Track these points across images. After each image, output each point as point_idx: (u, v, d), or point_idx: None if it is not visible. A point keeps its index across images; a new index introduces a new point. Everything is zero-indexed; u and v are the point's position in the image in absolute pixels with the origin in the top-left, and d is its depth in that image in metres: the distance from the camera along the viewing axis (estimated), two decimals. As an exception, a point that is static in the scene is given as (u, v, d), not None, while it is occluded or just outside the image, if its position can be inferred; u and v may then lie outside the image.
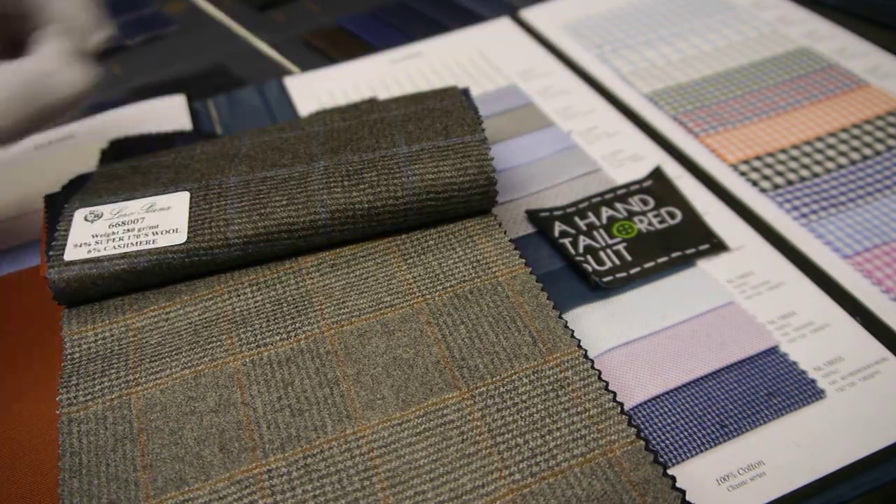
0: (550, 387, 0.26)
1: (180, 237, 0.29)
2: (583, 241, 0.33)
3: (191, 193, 0.31)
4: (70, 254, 0.29)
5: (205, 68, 0.52)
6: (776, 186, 0.37)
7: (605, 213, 0.35)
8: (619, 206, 0.35)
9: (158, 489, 0.24)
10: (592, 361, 0.27)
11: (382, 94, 0.45)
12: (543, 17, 0.52)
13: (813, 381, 0.28)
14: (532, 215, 0.35)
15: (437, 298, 0.29)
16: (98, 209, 0.31)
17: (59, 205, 0.33)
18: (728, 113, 0.42)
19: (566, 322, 0.28)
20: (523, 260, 0.30)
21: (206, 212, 0.30)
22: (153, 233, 0.30)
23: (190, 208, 0.30)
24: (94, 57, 0.30)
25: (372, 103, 0.37)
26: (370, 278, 0.30)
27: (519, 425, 0.25)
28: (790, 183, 0.37)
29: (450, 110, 0.34)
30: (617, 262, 0.32)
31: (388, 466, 0.24)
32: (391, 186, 0.30)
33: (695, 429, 0.26)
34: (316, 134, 0.34)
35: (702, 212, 0.35)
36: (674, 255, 0.33)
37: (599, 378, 0.26)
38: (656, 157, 0.39)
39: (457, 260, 0.31)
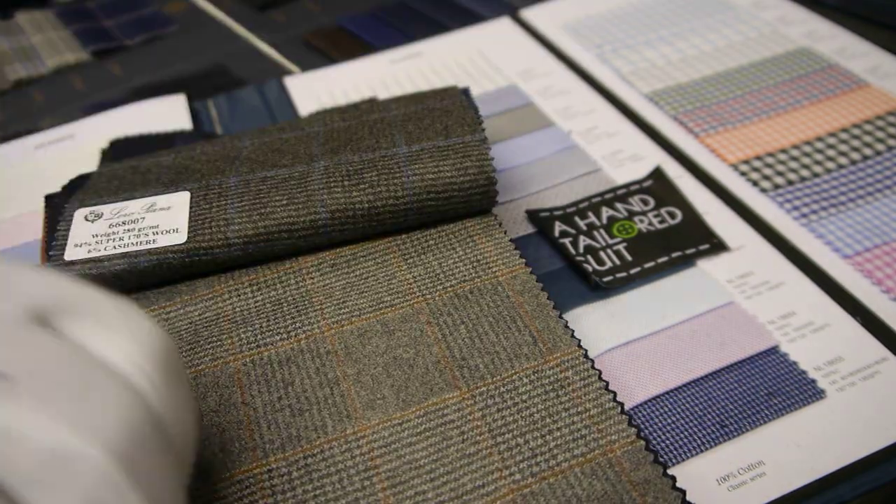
0: (551, 387, 0.26)
1: (180, 237, 0.29)
2: (583, 241, 0.34)
3: (191, 193, 0.31)
4: (70, 254, 0.29)
5: (205, 68, 0.52)
6: (776, 186, 0.37)
7: (606, 213, 0.35)
8: (619, 206, 0.35)
9: None
10: (593, 361, 0.27)
11: (382, 94, 0.45)
12: (543, 17, 0.52)
13: (813, 381, 0.28)
14: (532, 215, 0.35)
15: (437, 298, 0.29)
16: (98, 209, 0.31)
17: (59, 205, 0.33)
18: (728, 113, 0.42)
19: (566, 322, 0.28)
20: (523, 260, 0.30)
21: (206, 212, 0.30)
22: (153, 233, 0.30)
23: (190, 208, 0.30)
24: None
25: (372, 103, 0.37)
26: (370, 278, 0.30)
27: (519, 425, 0.25)
28: (790, 183, 0.37)
29: (450, 110, 0.34)
30: (617, 262, 0.32)
31: (389, 466, 0.24)
32: (391, 186, 0.30)
33: (695, 429, 0.26)
34: (316, 134, 0.34)
35: (702, 212, 0.35)
36: (674, 255, 0.33)
37: (599, 378, 0.26)
38: (656, 157, 0.39)
39: (457, 260, 0.31)
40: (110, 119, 0.44)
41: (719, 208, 0.36)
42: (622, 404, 0.25)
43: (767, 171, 0.38)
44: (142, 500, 0.15)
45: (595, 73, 0.46)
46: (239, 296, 0.30)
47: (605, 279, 0.32)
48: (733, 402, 0.27)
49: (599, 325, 0.30)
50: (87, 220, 0.30)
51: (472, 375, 0.26)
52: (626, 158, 0.39)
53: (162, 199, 0.31)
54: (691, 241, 0.33)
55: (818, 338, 0.30)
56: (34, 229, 0.37)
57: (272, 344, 0.28)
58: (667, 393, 0.28)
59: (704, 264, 0.33)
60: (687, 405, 0.27)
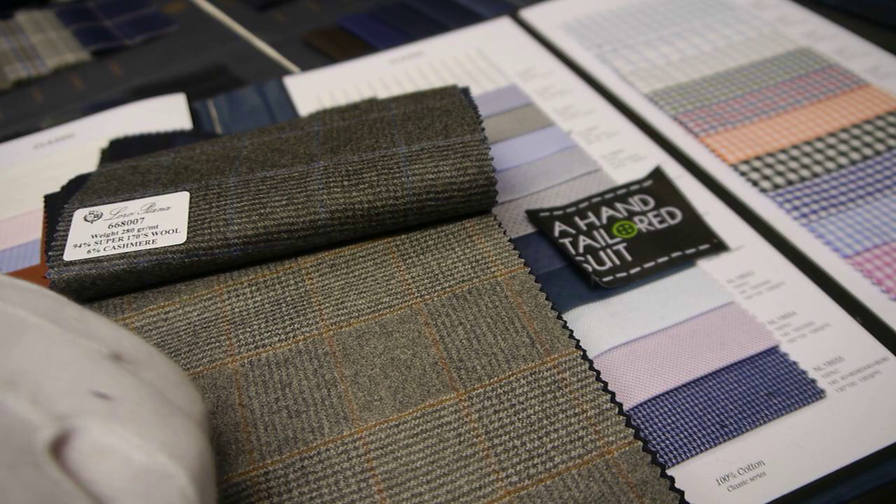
0: (548, 388, 0.26)
1: (180, 237, 0.29)
2: (583, 241, 0.33)
3: (190, 193, 0.31)
4: (70, 254, 0.29)
5: (205, 68, 0.52)
6: (776, 186, 0.37)
7: (605, 213, 0.35)
8: (619, 206, 0.35)
9: None
10: (591, 362, 0.27)
11: (382, 94, 0.45)
12: (543, 17, 0.52)
13: (813, 381, 0.28)
14: (532, 215, 0.35)
15: (435, 299, 0.29)
16: (98, 209, 0.31)
17: (59, 205, 0.33)
18: (728, 113, 0.42)
19: (565, 322, 0.28)
20: (522, 260, 0.30)
21: (205, 212, 0.30)
22: (153, 233, 0.30)
23: (189, 208, 0.30)
24: None
25: (371, 103, 0.37)
26: (369, 278, 0.30)
27: (516, 427, 0.25)
28: (790, 183, 0.37)
29: (449, 109, 0.34)
30: (617, 262, 0.32)
31: (385, 468, 0.24)
32: (391, 186, 0.30)
33: (695, 429, 0.26)
34: (315, 134, 0.34)
35: (702, 212, 0.35)
36: (674, 255, 0.33)
37: (598, 378, 0.26)
38: (656, 157, 0.39)
39: (455, 260, 0.31)
40: (110, 119, 0.44)
41: (719, 208, 0.36)
42: (620, 405, 0.25)
43: (767, 171, 0.38)
44: None
45: (595, 73, 0.46)
46: (238, 296, 0.30)
47: (605, 279, 0.32)
48: (733, 402, 0.27)
49: (599, 325, 0.30)
50: (86, 220, 0.30)
51: (469, 377, 0.26)
52: (626, 158, 0.39)
53: (161, 200, 0.31)
54: (691, 241, 0.33)
55: (818, 338, 0.30)
56: (34, 229, 0.37)
57: (270, 345, 0.28)
58: (667, 393, 0.28)
59: (704, 264, 0.33)
60: (687, 405, 0.27)
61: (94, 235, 0.30)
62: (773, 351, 0.29)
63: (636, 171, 0.38)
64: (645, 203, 0.35)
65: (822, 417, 0.27)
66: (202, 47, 0.55)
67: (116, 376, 0.18)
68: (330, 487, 0.23)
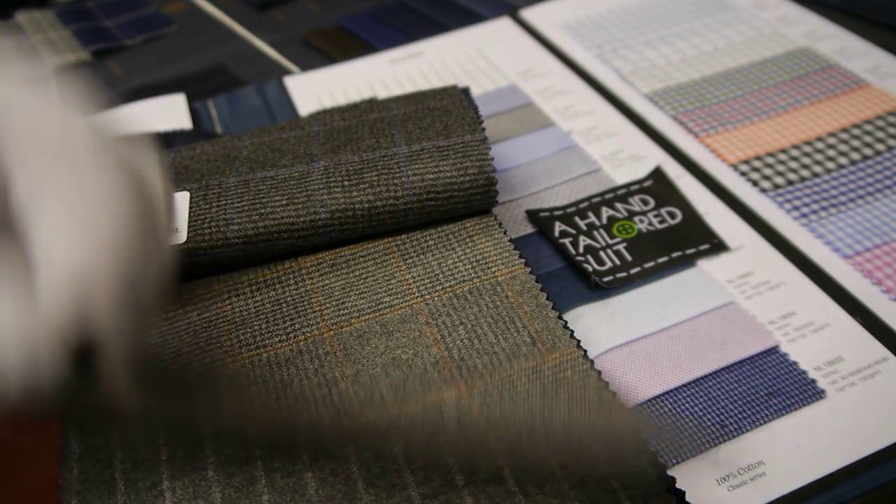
0: (550, 385, 0.26)
1: (180, 237, 0.29)
2: (583, 241, 0.33)
3: (190, 193, 0.31)
4: None
5: (205, 68, 0.52)
6: (776, 186, 0.37)
7: (606, 213, 0.35)
8: (619, 206, 0.35)
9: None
10: (592, 361, 0.27)
11: (382, 94, 0.45)
12: (543, 17, 0.52)
13: (813, 381, 0.28)
14: (532, 215, 0.35)
15: (436, 299, 0.29)
16: None
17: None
18: (728, 113, 0.42)
19: (566, 322, 0.28)
20: (523, 260, 0.30)
21: (205, 212, 0.30)
22: None
23: (190, 208, 0.30)
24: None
25: (371, 103, 0.37)
26: (369, 278, 0.30)
27: (517, 419, 0.25)
28: (790, 183, 0.37)
29: (450, 109, 0.34)
30: (617, 262, 0.32)
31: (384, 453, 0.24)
32: (391, 186, 0.30)
33: (695, 429, 0.26)
34: (316, 134, 0.34)
35: (702, 212, 0.35)
36: (674, 255, 0.33)
37: (599, 378, 0.26)
38: (656, 157, 0.39)
39: (456, 260, 0.31)
40: (110, 119, 0.44)
41: (719, 208, 0.36)
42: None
43: (767, 171, 0.38)
44: None
45: (595, 73, 0.46)
46: (238, 296, 0.30)
47: (605, 279, 0.32)
48: (733, 402, 0.27)
49: (599, 325, 0.30)
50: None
51: (470, 374, 0.26)
52: (626, 158, 0.39)
53: None
54: (691, 241, 0.33)
55: (818, 338, 0.30)
56: (34, 229, 0.37)
57: (271, 345, 0.28)
58: (667, 393, 0.28)
59: (704, 264, 0.33)
60: (687, 405, 0.27)
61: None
62: (773, 351, 0.29)
63: (636, 171, 0.38)
64: (645, 203, 0.35)
65: (822, 417, 0.27)
66: (202, 47, 0.55)
67: None
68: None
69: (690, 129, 0.41)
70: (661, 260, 0.32)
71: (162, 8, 0.62)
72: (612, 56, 0.47)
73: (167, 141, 0.41)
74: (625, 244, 0.33)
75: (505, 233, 0.32)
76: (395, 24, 0.54)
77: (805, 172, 0.37)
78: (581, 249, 0.33)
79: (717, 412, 0.27)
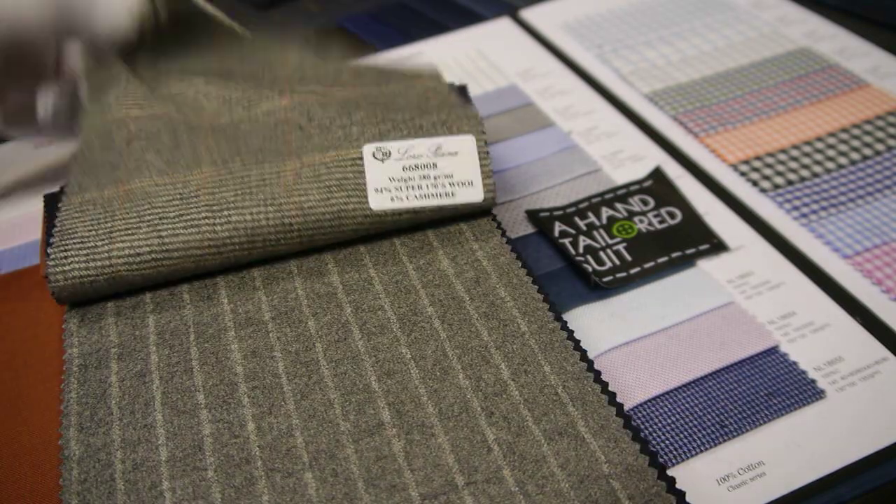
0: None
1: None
2: (583, 241, 0.33)
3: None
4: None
5: (205, 68, 0.52)
6: (776, 186, 0.37)
7: (605, 213, 0.35)
8: (619, 206, 0.35)
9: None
10: (592, 362, 0.27)
11: (382, 94, 0.45)
12: (543, 17, 0.52)
13: (813, 381, 0.28)
14: (532, 215, 0.35)
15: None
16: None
17: (60, 200, 0.33)
18: (728, 113, 0.42)
19: (565, 322, 0.28)
20: (519, 261, 0.30)
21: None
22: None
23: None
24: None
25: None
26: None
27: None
28: (790, 183, 0.37)
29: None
30: (617, 262, 0.32)
31: None
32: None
33: (695, 429, 0.26)
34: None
35: (702, 212, 0.35)
36: (674, 255, 0.33)
37: (598, 378, 0.26)
38: (656, 157, 0.39)
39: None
40: (110, 119, 0.44)
41: (719, 208, 0.36)
42: (621, 405, 0.25)
43: (767, 171, 0.38)
44: None
45: (595, 73, 0.46)
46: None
47: (605, 279, 0.32)
48: (733, 402, 0.27)
49: (599, 325, 0.30)
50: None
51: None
52: (626, 158, 0.39)
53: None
54: (691, 241, 0.33)
55: (818, 338, 0.30)
56: (34, 229, 0.37)
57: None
58: (667, 393, 0.28)
59: (704, 264, 0.33)
60: (687, 405, 0.27)
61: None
62: (773, 351, 0.29)
63: (636, 171, 0.38)
64: (645, 203, 0.35)
65: (822, 417, 0.27)
66: (202, 47, 0.55)
67: None
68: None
69: (690, 129, 0.41)
70: (660, 260, 0.32)
71: (162, 8, 0.61)
72: (612, 56, 0.47)
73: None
74: (625, 244, 0.33)
75: (504, 233, 0.32)
76: (395, 24, 0.54)
77: (805, 172, 0.37)
78: (581, 249, 0.33)
79: (717, 412, 0.27)
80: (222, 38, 0.35)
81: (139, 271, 0.29)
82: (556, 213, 0.35)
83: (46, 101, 0.27)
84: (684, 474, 0.25)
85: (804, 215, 0.35)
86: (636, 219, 0.34)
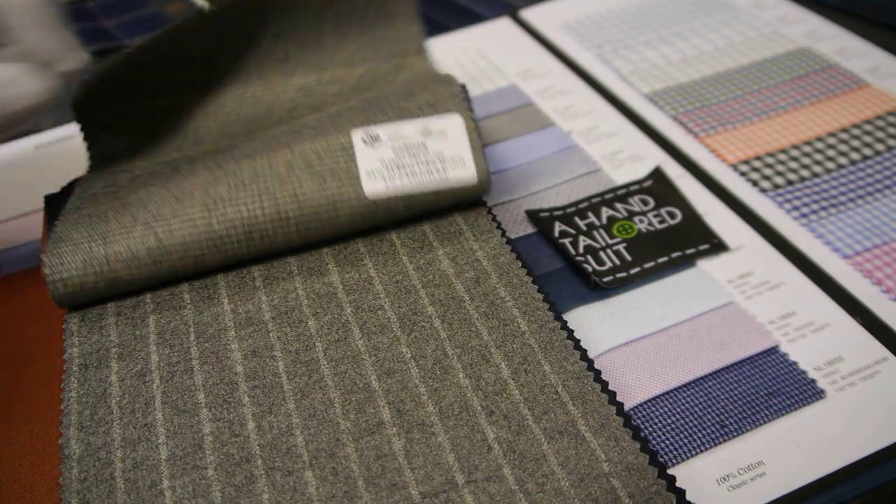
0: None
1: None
2: (583, 241, 0.34)
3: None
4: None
5: (205, 68, 0.52)
6: (776, 186, 0.37)
7: (605, 213, 0.35)
8: (619, 206, 0.35)
9: None
10: (592, 361, 0.27)
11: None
12: (543, 17, 0.52)
13: (813, 381, 0.28)
14: (532, 215, 0.35)
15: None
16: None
17: (60, 205, 0.33)
18: (728, 113, 0.42)
19: (565, 322, 0.28)
20: (519, 260, 0.30)
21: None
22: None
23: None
24: (63, 78, 0.29)
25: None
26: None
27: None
28: (790, 183, 0.37)
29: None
30: (617, 262, 0.32)
31: None
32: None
33: (695, 429, 0.26)
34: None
35: (702, 212, 0.35)
36: (674, 255, 0.33)
37: (598, 378, 0.26)
38: (656, 157, 0.39)
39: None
40: (110, 119, 0.44)
41: (719, 208, 0.36)
42: (622, 404, 0.25)
43: (767, 171, 0.38)
44: None
45: (595, 73, 0.46)
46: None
47: (605, 279, 0.32)
48: (733, 402, 0.27)
49: (599, 325, 0.30)
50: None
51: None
52: (626, 158, 0.39)
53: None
54: (691, 241, 0.33)
55: (818, 338, 0.30)
56: (34, 229, 0.37)
57: None
58: (667, 393, 0.28)
59: (704, 264, 0.33)
60: (687, 405, 0.27)
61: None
62: (773, 351, 0.29)
63: (636, 171, 0.38)
64: (645, 203, 0.35)
65: (822, 417, 0.27)
66: (202, 47, 0.55)
67: None
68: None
69: (690, 129, 0.41)
70: (660, 260, 0.33)
71: (162, 8, 0.62)
72: (612, 56, 0.47)
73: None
74: (625, 244, 0.33)
75: (504, 233, 0.32)
76: (395, 24, 0.54)
77: (805, 172, 0.37)
78: (581, 249, 0.33)
79: (717, 412, 0.27)
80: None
81: (138, 273, 0.29)
82: (556, 213, 0.35)
83: None
84: (684, 474, 0.25)
85: (804, 215, 0.35)
86: (636, 219, 0.35)
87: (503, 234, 0.32)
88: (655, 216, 0.35)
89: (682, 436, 0.26)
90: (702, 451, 0.26)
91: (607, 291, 0.32)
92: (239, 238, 0.29)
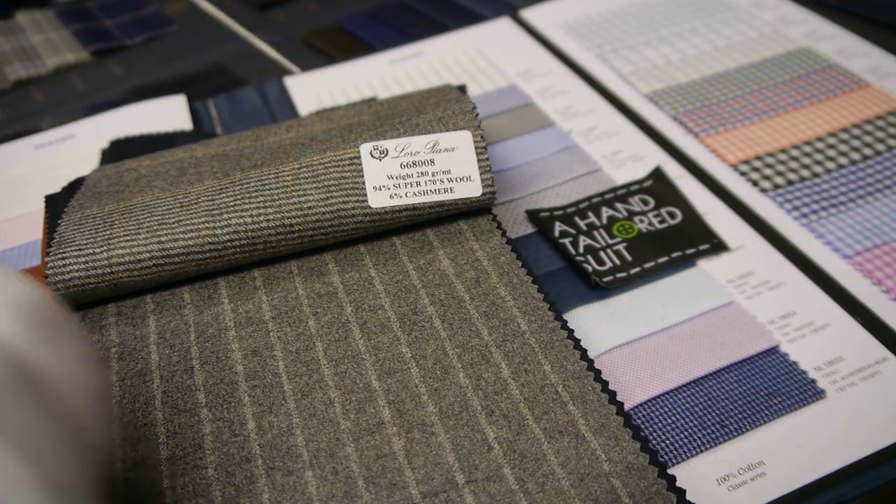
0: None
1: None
2: (583, 241, 0.34)
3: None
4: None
5: (205, 68, 0.52)
6: (776, 186, 0.37)
7: (606, 213, 0.35)
8: (619, 206, 0.35)
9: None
10: (592, 361, 0.27)
11: (382, 94, 0.45)
12: (543, 17, 0.52)
13: (813, 381, 0.28)
14: (532, 215, 0.35)
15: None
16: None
17: (60, 205, 0.33)
18: (728, 113, 0.42)
19: (565, 322, 0.28)
20: (519, 260, 0.30)
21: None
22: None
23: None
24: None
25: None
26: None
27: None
28: (790, 183, 0.37)
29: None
30: (617, 262, 0.32)
31: None
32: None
33: (695, 429, 0.26)
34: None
35: (702, 212, 0.35)
36: (674, 255, 0.33)
37: (598, 378, 0.26)
38: (656, 157, 0.39)
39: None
40: (110, 119, 0.44)
41: (719, 208, 0.36)
42: (622, 404, 0.25)
43: (767, 171, 0.38)
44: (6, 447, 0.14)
45: (595, 73, 0.46)
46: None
47: (605, 279, 0.32)
48: (733, 402, 0.27)
49: (599, 325, 0.30)
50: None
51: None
52: (626, 158, 0.39)
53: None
54: (691, 241, 0.33)
55: (818, 338, 0.30)
56: (34, 229, 0.37)
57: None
58: (667, 393, 0.28)
59: (704, 264, 0.33)
60: (687, 405, 0.27)
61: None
62: (773, 351, 0.29)
63: (636, 171, 0.38)
64: (645, 203, 0.35)
65: (822, 417, 0.27)
66: (202, 47, 0.55)
67: None
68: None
69: (690, 129, 0.41)
70: (661, 260, 0.32)
71: (162, 8, 0.62)
72: (612, 56, 0.47)
73: (168, 141, 0.41)
74: (625, 244, 0.33)
75: (504, 233, 0.32)
76: (395, 24, 0.55)
77: (805, 172, 0.37)
78: (581, 249, 0.33)
79: (717, 412, 0.27)
80: None
81: (140, 276, 0.29)
82: (556, 213, 0.35)
83: None
84: (684, 474, 0.25)
85: (804, 215, 0.35)
86: (636, 219, 0.35)
87: (503, 234, 0.32)
88: (655, 216, 0.35)
89: (682, 436, 0.26)
90: (702, 451, 0.26)
91: (607, 291, 0.32)
92: (242, 245, 0.30)
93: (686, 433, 0.26)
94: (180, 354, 0.28)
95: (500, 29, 0.51)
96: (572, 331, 0.28)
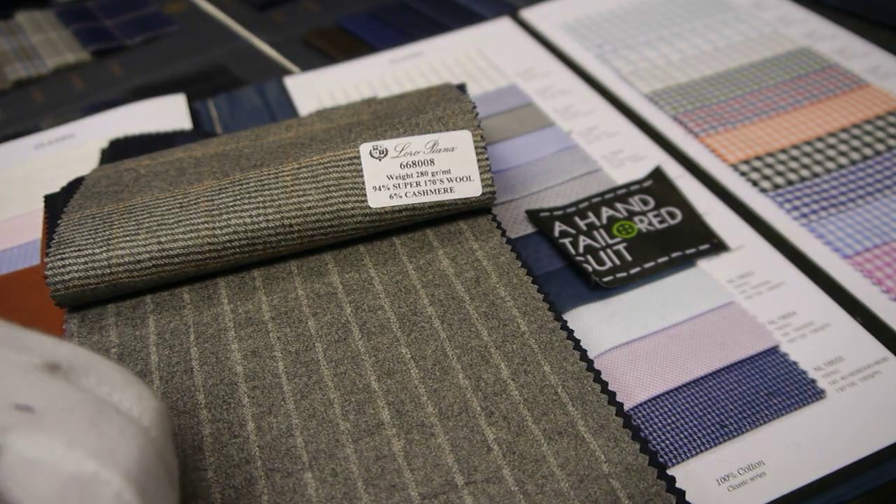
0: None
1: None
2: (583, 241, 0.33)
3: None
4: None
5: (205, 68, 0.52)
6: (776, 186, 0.37)
7: (606, 213, 0.35)
8: (619, 206, 0.35)
9: None
10: (592, 362, 0.27)
11: (382, 94, 0.45)
12: (543, 17, 0.52)
13: (813, 381, 0.28)
14: (532, 215, 0.35)
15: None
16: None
17: (60, 205, 0.33)
18: (728, 113, 0.42)
19: (565, 322, 0.28)
20: (519, 260, 0.30)
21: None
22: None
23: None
24: None
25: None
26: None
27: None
28: (790, 183, 0.37)
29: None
30: (617, 262, 0.32)
31: None
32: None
33: (695, 429, 0.26)
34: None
35: (702, 212, 0.35)
36: (674, 255, 0.33)
37: (598, 378, 0.26)
38: (656, 157, 0.39)
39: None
40: (110, 119, 0.44)
41: (719, 208, 0.36)
42: (622, 404, 0.25)
43: (767, 171, 0.38)
44: None
45: (595, 73, 0.46)
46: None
47: (605, 279, 0.32)
48: (733, 402, 0.27)
49: (599, 325, 0.30)
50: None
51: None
52: (626, 158, 0.39)
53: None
54: (691, 241, 0.33)
55: (818, 338, 0.30)
56: (34, 229, 0.37)
57: None
58: (667, 393, 0.28)
59: (704, 264, 0.33)
60: (687, 405, 0.27)
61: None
62: (773, 351, 0.29)
63: (636, 171, 0.38)
64: (645, 203, 0.35)
65: (822, 417, 0.27)
66: (202, 47, 0.55)
67: (45, 387, 0.18)
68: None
69: (690, 129, 0.41)
70: (661, 260, 0.32)
71: (162, 8, 0.62)
72: (612, 56, 0.47)
73: (167, 141, 0.41)
74: (625, 244, 0.33)
75: (504, 233, 0.32)
76: (395, 24, 0.54)
77: (805, 172, 0.37)
78: (581, 249, 0.33)
79: (717, 412, 0.27)
80: None
81: (140, 277, 0.29)
82: (556, 213, 0.35)
83: None
84: (684, 474, 0.25)
85: (804, 215, 0.35)
86: (636, 219, 0.35)
87: (503, 233, 0.32)
88: (655, 216, 0.35)
89: (682, 436, 0.26)
90: (702, 451, 0.26)
91: (607, 291, 0.32)
92: (242, 246, 0.30)
93: (686, 433, 0.26)
94: (180, 355, 0.28)
95: (500, 29, 0.51)
96: (572, 331, 0.28)
